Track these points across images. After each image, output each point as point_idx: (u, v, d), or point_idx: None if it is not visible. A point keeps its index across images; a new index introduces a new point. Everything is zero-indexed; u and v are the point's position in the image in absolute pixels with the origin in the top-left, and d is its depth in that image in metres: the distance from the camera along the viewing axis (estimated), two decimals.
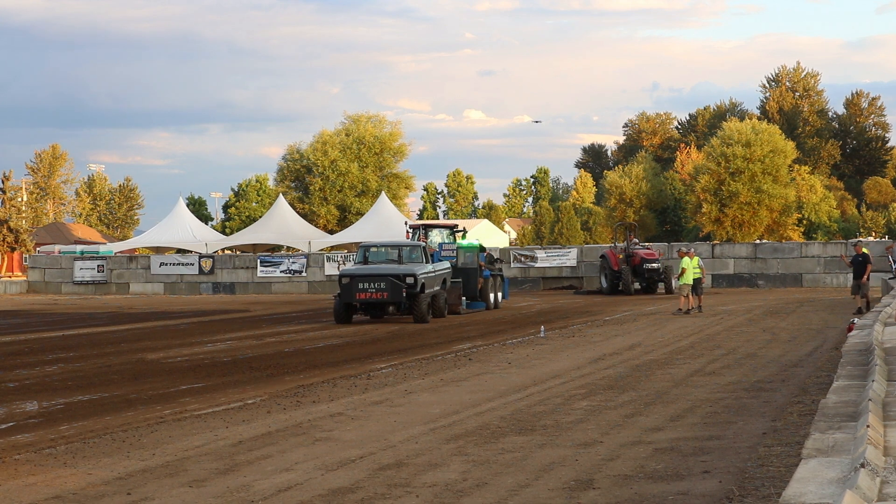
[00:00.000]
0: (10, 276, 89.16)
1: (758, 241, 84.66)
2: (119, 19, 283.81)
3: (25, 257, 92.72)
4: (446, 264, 44.67)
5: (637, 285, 58.97)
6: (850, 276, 43.72)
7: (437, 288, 41.85)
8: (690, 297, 42.14)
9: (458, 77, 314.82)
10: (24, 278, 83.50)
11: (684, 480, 12.37)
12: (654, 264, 58.95)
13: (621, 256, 59.52)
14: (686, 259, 43.03)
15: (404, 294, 39.38)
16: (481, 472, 12.98)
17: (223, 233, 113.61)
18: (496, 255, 65.38)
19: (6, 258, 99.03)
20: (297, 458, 14.17)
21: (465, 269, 46.92)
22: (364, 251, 42.86)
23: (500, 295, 49.80)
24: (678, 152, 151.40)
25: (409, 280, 39.48)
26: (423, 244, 43.58)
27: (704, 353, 26.69)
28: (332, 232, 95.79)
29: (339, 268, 63.10)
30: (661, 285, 59.32)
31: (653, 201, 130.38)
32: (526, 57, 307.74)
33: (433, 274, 41.56)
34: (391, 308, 40.29)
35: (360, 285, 39.53)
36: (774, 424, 15.74)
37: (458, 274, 46.10)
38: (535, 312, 45.76)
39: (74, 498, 12.23)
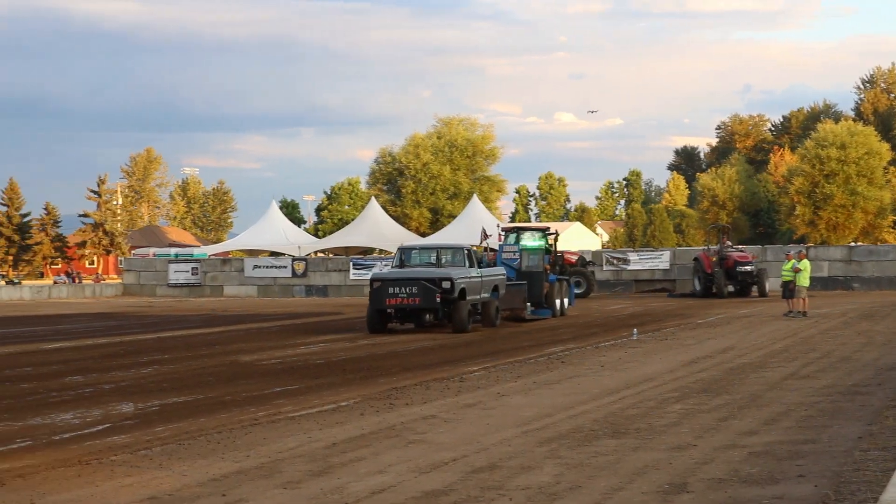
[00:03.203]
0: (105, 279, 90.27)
1: (853, 244, 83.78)
2: (212, 23, 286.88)
3: (120, 260, 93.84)
4: (500, 269, 41.32)
5: (730, 288, 58.53)
6: None
7: (484, 294, 38.41)
8: (803, 299, 41.19)
9: (550, 80, 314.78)
10: (120, 281, 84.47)
11: (779, 484, 12.28)
12: (747, 267, 58.61)
13: (714, 259, 59.17)
14: (805, 261, 41.98)
15: (438, 300, 36.18)
16: (574, 475, 12.96)
17: (316, 235, 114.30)
18: (588, 258, 65.29)
19: (102, 261, 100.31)
20: (390, 460, 14.20)
21: (528, 272, 43.37)
22: (401, 254, 39.39)
23: (566, 301, 45.92)
24: (771, 154, 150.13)
25: (445, 285, 36.14)
26: (468, 246, 39.88)
27: (799, 357, 26.46)
28: (424, 234, 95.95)
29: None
30: (754, 288, 58.92)
31: (746, 204, 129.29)
32: (617, 59, 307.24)
33: (478, 279, 38.02)
34: (428, 316, 36.91)
35: (391, 290, 36.17)
36: (870, 428, 15.58)
37: (521, 278, 42.79)
38: (627, 315, 45.56)
39: (169, 499, 12.33)
